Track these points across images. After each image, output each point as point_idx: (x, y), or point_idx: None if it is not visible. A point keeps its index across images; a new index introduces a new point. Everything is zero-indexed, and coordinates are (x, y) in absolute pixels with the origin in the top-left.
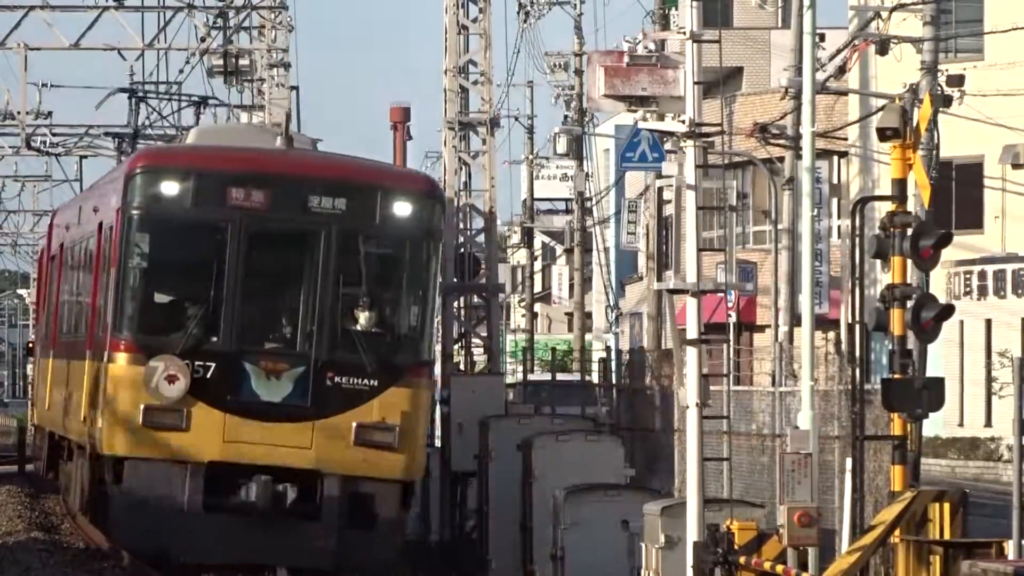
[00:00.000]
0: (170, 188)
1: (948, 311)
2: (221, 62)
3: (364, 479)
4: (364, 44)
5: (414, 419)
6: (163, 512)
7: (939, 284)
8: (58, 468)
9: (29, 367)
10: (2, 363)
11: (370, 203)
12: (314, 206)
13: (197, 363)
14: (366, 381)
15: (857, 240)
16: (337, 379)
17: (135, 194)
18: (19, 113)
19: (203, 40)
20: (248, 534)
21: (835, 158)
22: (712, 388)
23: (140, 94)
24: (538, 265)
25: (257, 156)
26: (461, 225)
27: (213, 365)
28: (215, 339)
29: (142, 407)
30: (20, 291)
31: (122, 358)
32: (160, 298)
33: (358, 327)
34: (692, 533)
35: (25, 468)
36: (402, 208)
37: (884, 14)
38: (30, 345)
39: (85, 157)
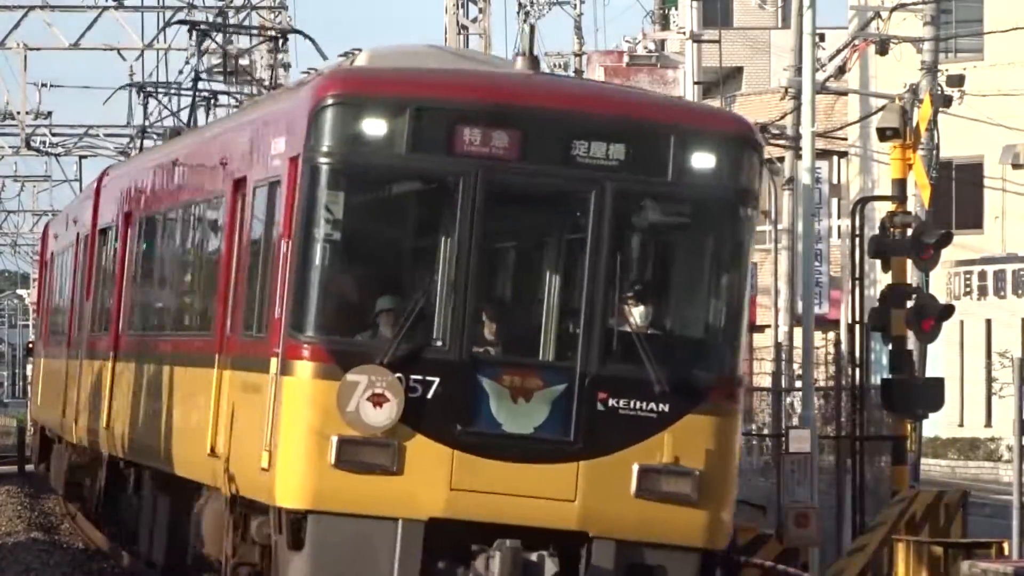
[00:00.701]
0: (376, 127)
1: (948, 311)
2: (220, 62)
3: (649, 546)
4: (364, 44)
5: (720, 460)
6: None
7: (939, 284)
8: (119, 505)
9: (29, 367)
10: (2, 363)
11: (660, 151)
12: (580, 154)
13: (413, 378)
14: (653, 405)
15: (857, 240)
16: (612, 402)
17: (326, 134)
18: (19, 113)
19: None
20: None
21: (835, 158)
22: None
23: (203, 27)
24: None
25: (499, 83)
26: None
27: (436, 381)
28: (438, 343)
29: (335, 440)
30: (20, 291)
31: (305, 369)
32: (360, 284)
33: (641, 328)
34: None
35: (25, 468)
36: (705, 159)
37: (884, 14)
38: (30, 345)
39: (85, 157)
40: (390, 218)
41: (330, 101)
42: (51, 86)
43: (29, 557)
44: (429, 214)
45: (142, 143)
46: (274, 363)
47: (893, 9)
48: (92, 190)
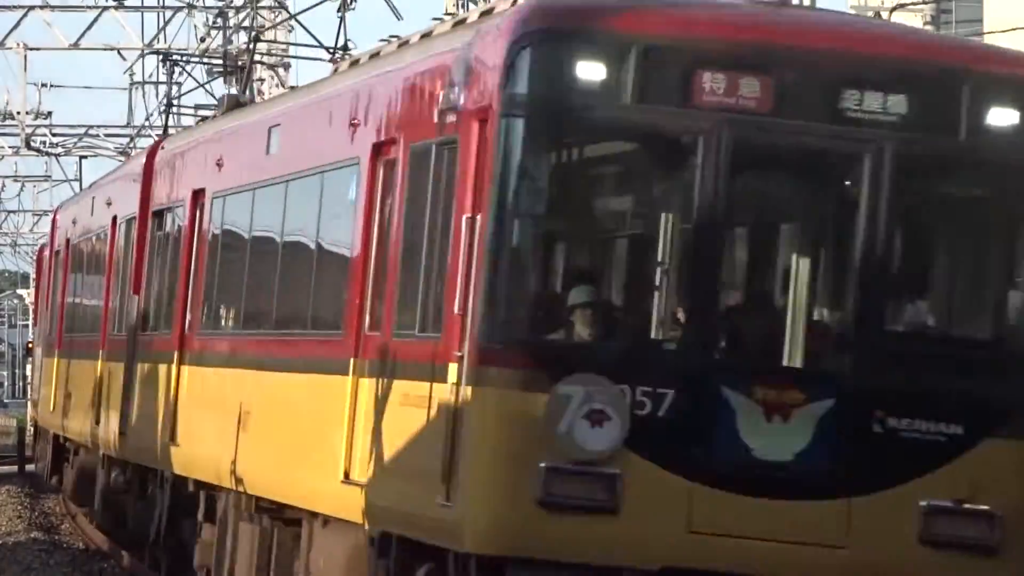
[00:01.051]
0: (593, 71)
1: None
2: (221, 62)
3: None
4: (364, 44)
5: None
6: None
7: None
8: (184, 533)
9: (28, 368)
10: (2, 363)
11: (951, 104)
12: (851, 108)
13: (640, 390)
14: (943, 426)
15: None
16: (891, 422)
17: (528, 81)
18: (19, 113)
19: (203, 40)
20: None
21: None
22: None
23: None
24: None
25: (746, 17)
26: None
27: (669, 394)
28: (671, 346)
29: (542, 468)
30: (20, 291)
31: (501, 378)
32: (572, 271)
33: (929, 328)
34: None
35: (25, 468)
36: (1007, 114)
37: (884, 14)
38: (30, 345)
39: (85, 157)
40: (611, 189)
41: (534, 38)
42: (51, 86)
43: (29, 557)
44: (659, 181)
45: (167, 118)
46: (453, 370)
47: (893, 9)
48: (138, 167)
